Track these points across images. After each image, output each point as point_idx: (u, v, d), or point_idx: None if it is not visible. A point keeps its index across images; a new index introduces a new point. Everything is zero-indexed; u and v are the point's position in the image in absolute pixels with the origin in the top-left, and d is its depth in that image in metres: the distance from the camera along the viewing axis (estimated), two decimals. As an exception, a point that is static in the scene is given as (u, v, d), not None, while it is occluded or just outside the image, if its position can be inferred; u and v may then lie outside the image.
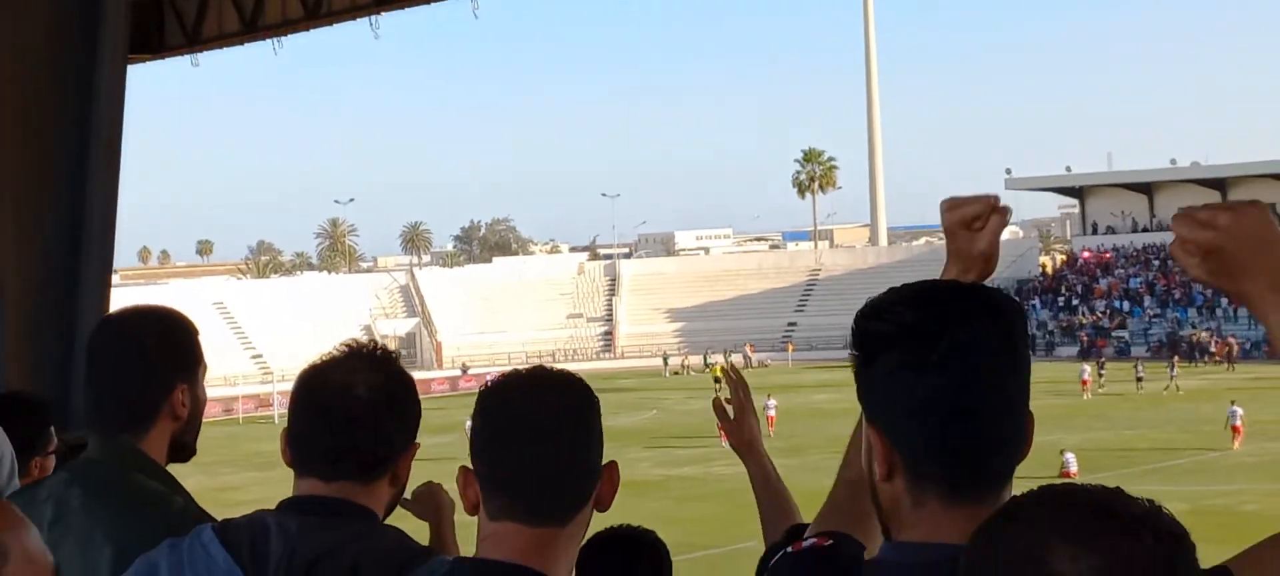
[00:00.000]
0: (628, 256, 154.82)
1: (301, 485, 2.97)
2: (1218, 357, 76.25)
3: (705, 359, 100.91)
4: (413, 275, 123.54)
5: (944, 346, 2.07)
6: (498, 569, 2.47)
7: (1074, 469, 45.09)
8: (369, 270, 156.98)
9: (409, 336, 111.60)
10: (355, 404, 2.97)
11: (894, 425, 2.12)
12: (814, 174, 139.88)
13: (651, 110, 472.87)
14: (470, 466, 2.54)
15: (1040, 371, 64.96)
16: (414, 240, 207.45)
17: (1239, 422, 51.18)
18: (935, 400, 2.07)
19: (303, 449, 3.00)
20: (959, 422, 2.07)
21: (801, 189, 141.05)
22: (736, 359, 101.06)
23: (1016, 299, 2.20)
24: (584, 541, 2.62)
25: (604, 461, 2.61)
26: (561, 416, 2.56)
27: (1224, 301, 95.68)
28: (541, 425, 2.54)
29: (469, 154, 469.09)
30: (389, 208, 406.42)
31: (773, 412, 58.54)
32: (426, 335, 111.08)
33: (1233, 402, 53.41)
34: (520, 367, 2.73)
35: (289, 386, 3.22)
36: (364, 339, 3.18)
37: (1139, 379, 72.96)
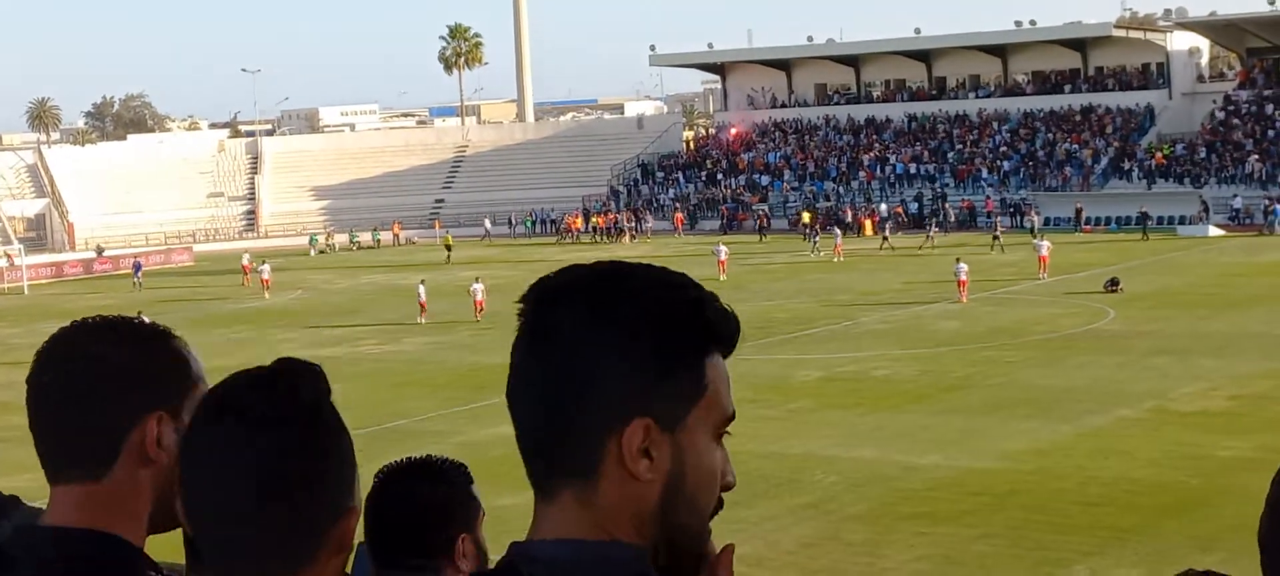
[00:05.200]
0: (270, 133, 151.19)
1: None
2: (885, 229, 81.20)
3: (351, 236, 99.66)
4: (40, 153, 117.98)
5: (531, 324, 1.96)
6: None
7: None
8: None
9: (38, 217, 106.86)
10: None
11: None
12: (460, 50, 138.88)
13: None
14: None
15: (683, 245, 66.49)
16: (41, 117, 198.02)
17: (964, 277, 54.46)
18: (516, 381, 1.97)
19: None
20: (525, 411, 1.96)
21: (448, 65, 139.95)
22: (384, 237, 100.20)
23: (644, 295, 1.96)
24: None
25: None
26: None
27: (860, 174, 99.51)
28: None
29: (99, 26, 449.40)
30: (12, 83, 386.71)
31: (480, 297, 55.60)
32: (57, 216, 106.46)
33: (958, 260, 56.65)
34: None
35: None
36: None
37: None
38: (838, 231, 78.85)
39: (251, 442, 2.08)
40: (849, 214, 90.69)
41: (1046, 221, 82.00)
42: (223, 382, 2.16)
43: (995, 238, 74.45)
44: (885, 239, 78.93)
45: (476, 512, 3.93)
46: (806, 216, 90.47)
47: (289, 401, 2.12)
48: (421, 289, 57.91)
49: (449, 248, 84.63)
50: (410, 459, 4.02)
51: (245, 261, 76.17)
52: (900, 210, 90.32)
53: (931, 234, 78.43)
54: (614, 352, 1.92)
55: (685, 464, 1.96)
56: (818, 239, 78.77)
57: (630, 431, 1.92)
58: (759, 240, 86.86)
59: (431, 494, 3.89)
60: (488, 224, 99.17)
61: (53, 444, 2.41)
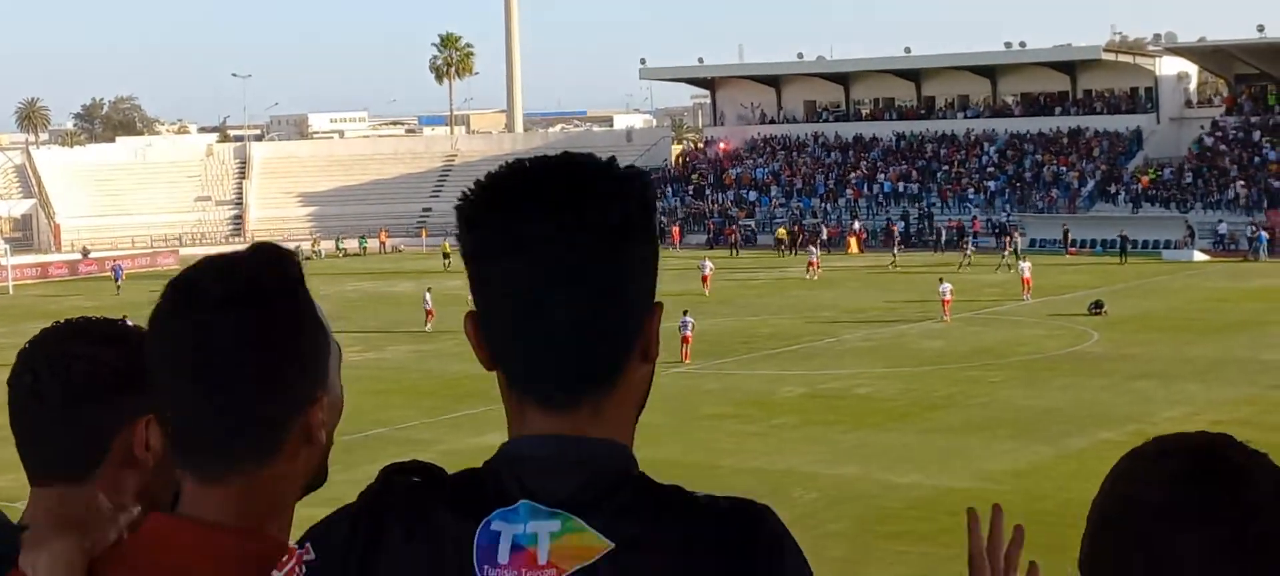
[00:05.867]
0: (259, 138, 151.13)
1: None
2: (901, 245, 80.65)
3: (337, 243, 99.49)
4: (29, 154, 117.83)
5: (521, 227, 1.87)
6: None
7: (689, 332, 46.65)
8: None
9: (25, 218, 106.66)
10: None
11: (483, 313, 1.94)
12: (451, 59, 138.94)
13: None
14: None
15: (669, 260, 65.91)
16: (31, 117, 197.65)
17: (949, 297, 54.55)
18: (509, 291, 1.88)
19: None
20: (531, 318, 1.87)
21: (439, 74, 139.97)
22: (371, 244, 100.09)
23: (641, 175, 1.95)
24: None
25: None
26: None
27: (847, 192, 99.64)
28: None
29: (89, 27, 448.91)
30: (1, 83, 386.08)
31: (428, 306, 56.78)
32: (44, 217, 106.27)
33: (941, 279, 56.67)
34: None
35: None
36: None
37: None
38: (813, 249, 78.23)
39: (212, 328, 2.04)
40: (825, 231, 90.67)
41: (1032, 243, 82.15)
42: (186, 270, 2.13)
43: (1003, 256, 74.06)
44: (894, 258, 78.79)
45: None
46: (781, 232, 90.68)
47: (252, 285, 2.08)
48: (427, 296, 57.98)
49: (447, 255, 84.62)
50: (416, 462, 4.03)
51: None
52: (895, 228, 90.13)
53: (969, 254, 77.57)
54: (645, 241, 1.91)
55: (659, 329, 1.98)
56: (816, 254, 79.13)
57: (656, 317, 1.94)
58: (731, 255, 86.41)
59: None
60: (382, 235, 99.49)
61: (37, 444, 2.40)
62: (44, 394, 2.38)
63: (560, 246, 1.85)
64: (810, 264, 74.45)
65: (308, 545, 1.95)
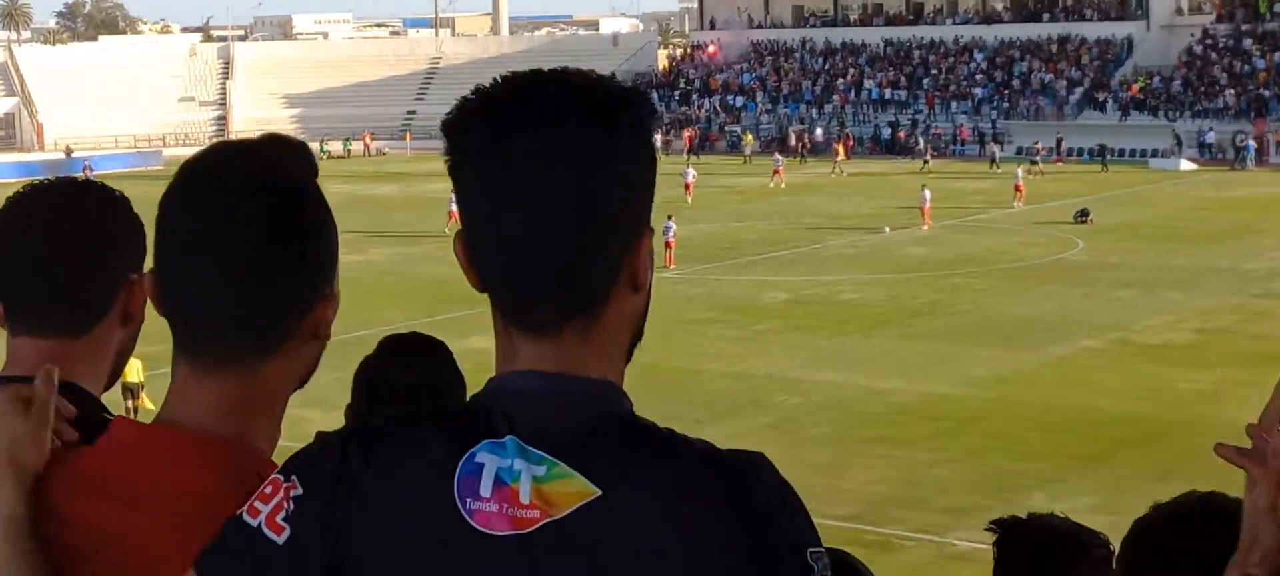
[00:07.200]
0: (243, 39, 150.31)
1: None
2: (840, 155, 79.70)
3: (321, 146, 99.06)
4: (11, 52, 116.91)
5: (502, 141, 1.84)
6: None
7: (672, 237, 46.54)
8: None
9: (7, 117, 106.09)
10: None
11: (468, 232, 1.91)
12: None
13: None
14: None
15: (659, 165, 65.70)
16: (12, 15, 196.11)
17: (928, 206, 54.59)
18: (490, 207, 1.87)
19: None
20: (512, 235, 1.85)
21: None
22: (356, 147, 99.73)
23: (636, 92, 1.88)
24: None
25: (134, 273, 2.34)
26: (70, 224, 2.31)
27: (834, 98, 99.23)
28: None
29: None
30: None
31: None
32: (26, 116, 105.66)
33: (923, 187, 56.60)
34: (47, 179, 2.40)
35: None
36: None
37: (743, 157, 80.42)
38: (779, 157, 76.12)
39: (235, 210, 2.01)
40: (792, 137, 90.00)
41: (1017, 151, 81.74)
42: (204, 151, 2.09)
43: (1035, 165, 71.34)
44: (926, 162, 77.95)
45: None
46: (748, 139, 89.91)
47: (275, 172, 2.05)
48: (453, 199, 57.47)
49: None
50: (413, 333, 3.99)
51: None
52: (903, 134, 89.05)
53: (1037, 164, 73.13)
54: (634, 161, 1.87)
55: (652, 253, 1.93)
56: (839, 159, 78.12)
57: (644, 241, 1.89)
58: (689, 159, 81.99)
59: (434, 369, 3.82)
60: (366, 138, 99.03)
61: (31, 298, 2.36)
62: (44, 248, 2.34)
63: (540, 161, 1.82)
64: (775, 171, 71.98)
65: (294, 478, 1.87)
